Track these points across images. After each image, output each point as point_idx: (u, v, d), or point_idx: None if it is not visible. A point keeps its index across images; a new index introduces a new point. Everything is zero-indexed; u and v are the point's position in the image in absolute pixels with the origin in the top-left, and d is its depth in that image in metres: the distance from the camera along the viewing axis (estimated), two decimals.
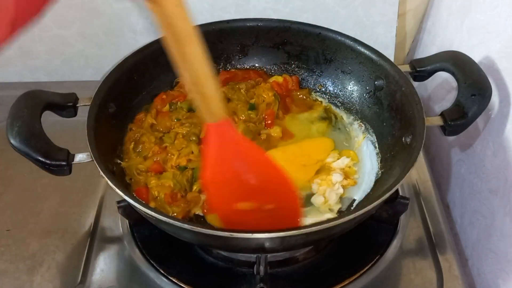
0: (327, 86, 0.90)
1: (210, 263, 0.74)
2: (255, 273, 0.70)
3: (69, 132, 0.84)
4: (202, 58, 0.50)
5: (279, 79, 0.90)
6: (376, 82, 0.82)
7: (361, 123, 0.86)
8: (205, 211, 0.74)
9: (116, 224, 0.79)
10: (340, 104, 0.89)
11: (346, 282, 0.71)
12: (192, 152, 0.77)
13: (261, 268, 0.69)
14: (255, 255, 0.71)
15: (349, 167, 0.79)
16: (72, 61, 1.04)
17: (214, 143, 0.55)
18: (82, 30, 1.00)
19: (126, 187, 0.74)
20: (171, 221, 0.58)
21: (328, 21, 0.96)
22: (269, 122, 0.84)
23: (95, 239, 0.77)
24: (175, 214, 0.72)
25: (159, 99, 0.85)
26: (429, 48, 1.03)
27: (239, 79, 0.90)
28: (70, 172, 0.66)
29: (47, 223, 0.80)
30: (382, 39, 1.02)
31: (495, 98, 0.75)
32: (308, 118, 0.87)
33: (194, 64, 0.49)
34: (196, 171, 0.76)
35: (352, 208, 0.75)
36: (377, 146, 0.82)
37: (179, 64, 0.50)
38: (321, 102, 0.90)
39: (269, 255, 0.71)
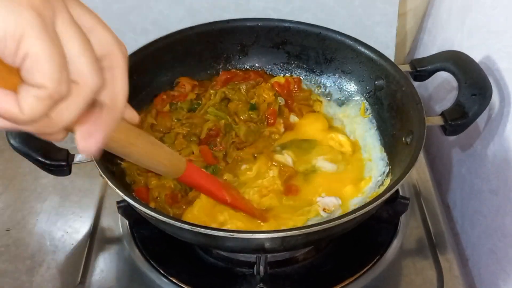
0: (327, 86, 0.90)
1: (210, 263, 0.74)
2: (255, 273, 0.70)
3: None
4: (154, 147, 0.54)
5: (281, 79, 0.90)
6: (376, 82, 0.82)
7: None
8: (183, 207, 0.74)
9: (116, 224, 0.79)
10: (340, 104, 0.89)
11: (346, 282, 0.71)
12: (193, 153, 0.77)
13: (261, 268, 0.69)
14: (255, 255, 0.71)
15: None
16: None
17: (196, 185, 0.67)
18: None
19: (126, 188, 0.74)
20: (171, 221, 0.58)
21: (328, 21, 0.96)
22: (271, 121, 0.84)
23: (95, 239, 0.77)
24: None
25: (159, 99, 0.85)
26: (429, 48, 1.03)
27: (239, 79, 0.89)
28: (70, 172, 0.66)
29: (47, 223, 0.80)
30: (382, 39, 1.01)
31: (495, 98, 0.74)
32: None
33: (149, 156, 0.53)
34: None
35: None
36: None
37: (138, 161, 0.54)
38: (321, 102, 0.90)
39: (269, 256, 0.71)
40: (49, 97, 0.31)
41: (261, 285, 0.70)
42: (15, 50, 0.30)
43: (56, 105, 0.32)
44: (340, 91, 0.89)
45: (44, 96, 0.31)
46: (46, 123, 0.33)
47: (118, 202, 0.75)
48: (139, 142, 0.50)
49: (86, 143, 0.37)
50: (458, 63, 0.74)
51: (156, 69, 0.85)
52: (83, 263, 0.74)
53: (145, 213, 0.60)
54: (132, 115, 0.42)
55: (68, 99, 0.33)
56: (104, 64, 0.36)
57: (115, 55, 0.36)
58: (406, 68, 0.79)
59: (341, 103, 0.89)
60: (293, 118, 0.86)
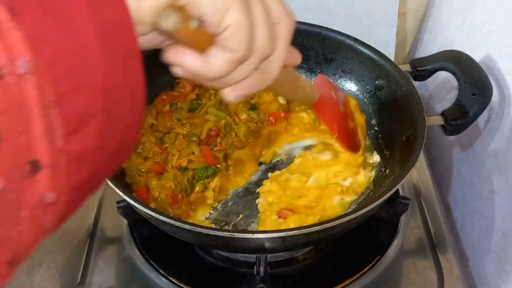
0: None
1: (210, 263, 0.74)
2: (255, 273, 0.69)
3: None
4: (298, 84, 0.58)
5: None
6: (376, 82, 0.82)
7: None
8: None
9: (116, 224, 0.79)
10: None
11: (347, 282, 0.71)
12: (193, 153, 0.77)
13: (261, 269, 0.69)
14: (255, 255, 0.71)
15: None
16: None
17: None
18: None
19: (126, 188, 0.74)
20: (172, 222, 0.58)
21: (328, 21, 0.96)
22: (272, 121, 0.84)
23: (95, 239, 0.77)
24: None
25: (159, 99, 0.85)
26: (429, 47, 1.03)
27: None
28: None
29: None
30: (383, 38, 1.01)
31: (495, 98, 0.74)
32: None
33: (293, 92, 0.59)
34: (197, 171, 0.75)
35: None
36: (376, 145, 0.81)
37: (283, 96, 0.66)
38: None
39: (269, 256, 0.71)
40: (237, 60, 0.37)
41: (261, 285, 0.69)
42: (220, 21, 0.34)
43: (237, 67, 0.38)
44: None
45: (234, 59, 0.36)
46: (220, 80, 0.39)
47: (118, 202, 0.75)
48: (287, 84, 0.54)
49: (229, 94, 0.42)
50: (458, 63, 0.74)
51: (156, 69, 0.84)
52: (83, 263, 0.74)
53: (146, 213, 0.60)
54: (296, 56, 0.47)
55: (244, 63, 0.38)
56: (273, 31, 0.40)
57: (283, 26, 0.41)
58: (406, 67, 0.79)
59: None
60: None
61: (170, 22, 0.34)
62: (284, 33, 0.42)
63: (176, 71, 0.40)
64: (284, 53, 0.42)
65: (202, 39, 0.37)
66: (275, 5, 0.40)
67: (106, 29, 0.28)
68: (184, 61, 0.38)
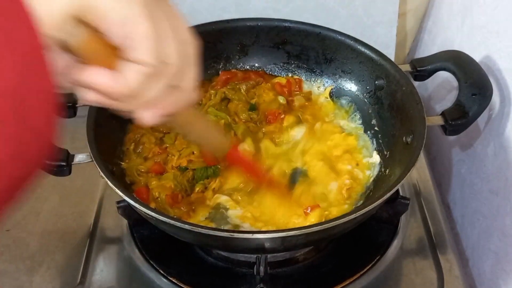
0: (327, 86, 0.90)
1: (210, 264, 0.74)
2: (255, 273, 0.70)
3: (69, 132, 0.84)
4: (208, 129, 0.63)
5: (282, 80, 0.89)
6: (376, 82, 0.82)
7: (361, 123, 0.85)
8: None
9: (116, 225, 0.79)
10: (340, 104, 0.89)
11: (347, 282, 0.71)
12: (193, 153, 0.77)
13: (261, 269, 0.69)
14: (255, 256, 0.71)
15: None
16: None
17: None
18: None
19: (126, 188, 0.74)
20: (171, 222, 0.58)
21: (328, 21, 0.96)
22: (271, 120, 0.84)
23: (95, 239, 0.77)
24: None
25: None
26: (429, 47, 1.03)
27: (239, 79, 0.89)
28: (70, 172, 0.66)
29: (46, 223, 0.80)
30: (383, 38, 1.01)
31: (495, 98, 0.74)
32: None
33: (202, 135, 0.62)
34: (197, 171, 0.75)
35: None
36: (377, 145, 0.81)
37: (192, 138, 0.68)
38: (321, 102, 0.90)
39: (269, 256, 0.71)
40: (149, 73, 0.36)
41: (261, 285, 0.70)
42: (126, 31, 0.34)
43: (149, 81, 0.37)
44: (340, 91, 0.89)
45: (143, 71, 0.36)
46: (131, 99, 0.38)
47: (118, 202, 0.75)
48: (196, 124, 0.56)
49: (144, 116, 0.41)
50: (458, 63, 0.74)
51: None
52: (83, 263, 0.74)
53: (145, 213, 0.60)
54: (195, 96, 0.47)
55: (156, 77, 0.37)
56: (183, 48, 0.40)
57: (191, 46, 0.41)
58: (406, 67, 0.79)
59: (340, 104, 0.89)
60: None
61: (75, 35, 0.33)
62: (193, 52, 0.42)
63: (88, 96, 0.39)
64: (196, 72, 0.42)
65: (112, 55, 0.36)
66: (181, 25, 0.40)
67: (10, 38, 0.27)
68: (95, 79, 0.37)
